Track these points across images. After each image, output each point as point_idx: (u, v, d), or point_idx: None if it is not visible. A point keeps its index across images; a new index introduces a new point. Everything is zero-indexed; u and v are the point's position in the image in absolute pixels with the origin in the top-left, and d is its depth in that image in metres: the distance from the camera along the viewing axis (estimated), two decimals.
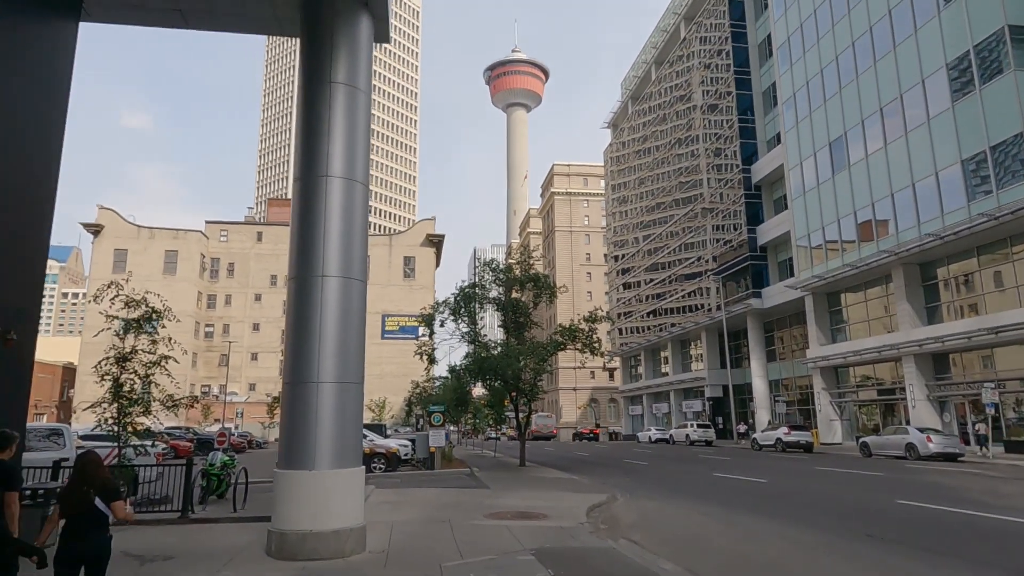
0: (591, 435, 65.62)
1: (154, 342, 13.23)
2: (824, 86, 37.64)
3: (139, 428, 12.60)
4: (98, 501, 4.79)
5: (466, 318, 27.18)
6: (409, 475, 21.74)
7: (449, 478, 20.04)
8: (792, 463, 24.70)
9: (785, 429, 33.89)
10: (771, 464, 24.10)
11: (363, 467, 9.03)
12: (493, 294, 27.34)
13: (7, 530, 5.06)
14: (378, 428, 32.00)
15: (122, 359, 12.68)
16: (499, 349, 26.33)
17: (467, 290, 26.90)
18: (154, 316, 13.41)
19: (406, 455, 25.54)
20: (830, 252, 36.65)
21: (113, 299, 12.86)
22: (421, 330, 31.82)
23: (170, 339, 13.32)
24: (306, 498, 8.20)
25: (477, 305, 27.03)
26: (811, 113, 38.71)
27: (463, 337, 27.12)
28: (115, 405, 12.44)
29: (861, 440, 28.99)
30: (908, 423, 30.56)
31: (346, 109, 9.36)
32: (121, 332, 13.19)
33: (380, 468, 22.89)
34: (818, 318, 38.97)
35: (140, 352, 12.97)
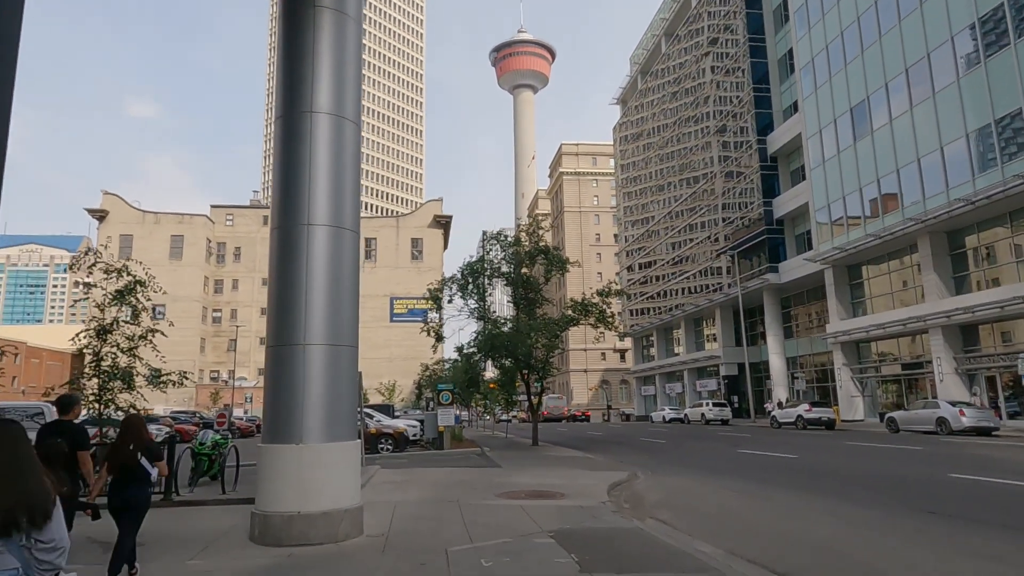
0: (582, 417, 65.07)
1: (136, 314, 12.28)
2: (845, 49, 36.02)
3: (122, 405, 11.66)
4: (143, 459, 5.41)
5: (475, 294, 26.15)
6: (417, 455, 20.84)
7: (459, 458, 19.11)
8: (817, 439, 23.62)
9: (806, 406, 32.75)
10: (796, 441, 23.01)
11: (358, 441, 8.01)
12: (503, 269, 26.26)
13: (75, 487, 5.48)
14: (386, 408, 31.16)
15: (102, 331, 11.73)
16: (509, 326, 25.32)
17: (475, 264, 25.83)
18: (138, 287, 12.42)
19: (414, 435, 24.66)
20: (851, 223, 35.25)
21: (91, 267, 11.90)
22: (431, 315, 30.73)
23: (154, 309, 12.34)
24: (293, 475, 7.22)
25: (486, 280, 25.96)
26: (831, 78, 37.12)
27: (471, 314, 26.13)
28: (95, 381, 11.52)
29: (888, 416, 27.83)
30: (935, 398, 29.39)
31: (333, 37, 8.24)
32: (104, 303, 12.23)
33: (387, 449, 22.02)
34: (838, 291, 37.65)
35: (123, 324, 12.04)
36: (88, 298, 12.06)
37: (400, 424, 24.00)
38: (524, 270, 26.46)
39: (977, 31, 27.27)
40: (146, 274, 12.49)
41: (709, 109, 53.75)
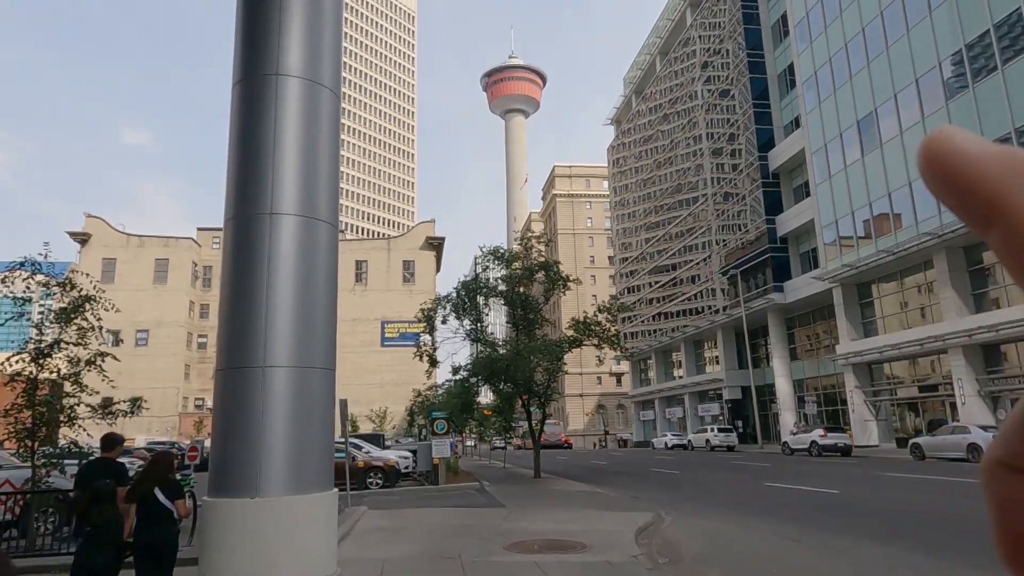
0: (565, 444, 63.18)
1: (84, 335, 10.54)
2: (849, 61, 35.05)
3: (60, 442, 9.87)
4: (161, 496, 5.35)
5: (471, 314, 24.45)
6: (410, 491, 18.95)
7: (456, 494, 17.27)
8: (843, 469, 21.88)
9: (821, 431, 31.02)
10: (823, 471, 21.25)
11: (335, 491, 6.23)
12: (500, 287, 24.60)
13: (120, 528, 5.43)
14: (375, 439, 29.18)
15: (39, 355, 9.97)
16: (507, 348, 23.60)
17: (470, 283, 24.18)
18: (87, 304, 10.68)
19: (406, 468, 22.76)
20: (861, 239, 33.93)
21: (26, 280, 10.17)
22: (423, 337, 28.78)
23: (101, 328, 10.58)
24: (246, 539, 5.45)
25: (482, 299, 24.28)
26: (835, 91, 36.09)
27: (467, 335, 24.40)
28: (29, 413, 9.72)
29: (912, 442, 26.15)
30: (957, 421, 27.80)
31: None
32: (46, 321, 10.49)
33: (377, 483, 20.12)
34: (848, 311, 36.19)
35: (67, 346, 10.30)
36: (17, 317, 10.30)
37: (391, 456, 22.11)
38: (522, 288, 24.81)
39: (992, 37, 26.23)
40: (95, 288, 10.75)
41: (705, 128, 52.80)
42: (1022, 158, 0.30)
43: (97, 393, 10.93)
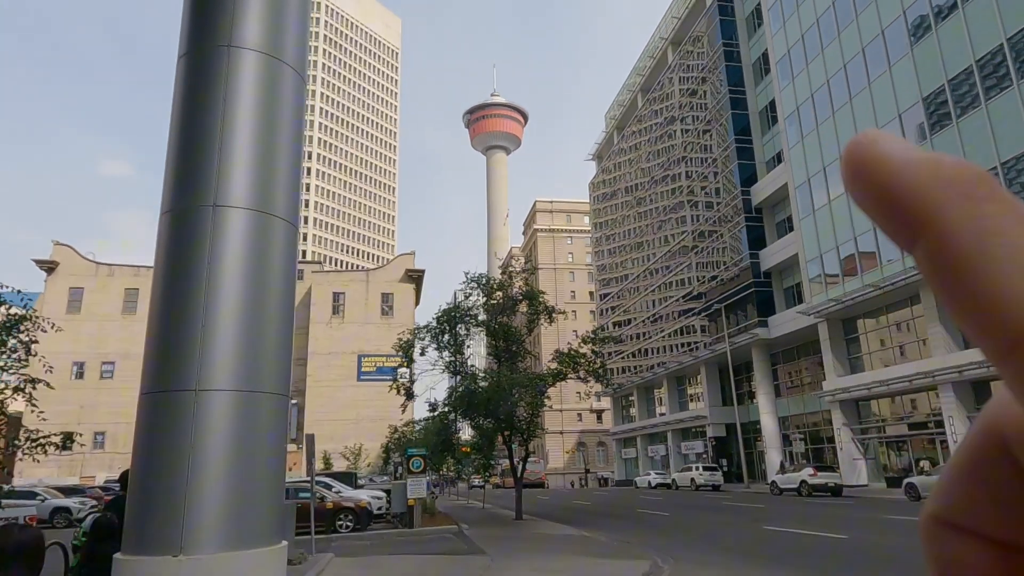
0: (538, 483, 57.96)
1: (17, 358, 9.34)
2: (832, 97, 35.23)
3: None
4: None
5: (450, 345, 23.32)
6: (382, 535, 17.55)
7: (432, 539, 15.93)
8: (841, 510, 20.90)
9: (810, 470, 30.10)
10: (818, 512, 20.25)
11: (284, 545, 5.08)
12: (481, 317, 23.56)
13: None
14: (347, 477, 27.62)
15: None
16: (488, 380, 22.47)
17: (451, 311, 23.11)
18: (17, 324, 9.48)
19: (379, 509, 21.31)
20: (846, 274, 33.59)
21: None
22: (400, 370, 27.46)
23: (29, 352, 9.35)
24: None
25: (463, 329, 23.21)
26: (818, 127, 36.20)
27: (446, 368, 23.22)
28: None
29: (907, 482, 25.28)
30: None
31: None
32: None
33: (347, 526, 18.67)
34: (834, 347, 35.66)
35: None
36: None
37: (363, 496, 20.68)
38: (504, 319, 23.80)
39: (975, 72, 26.35)
40: (25, 307, 9.56)
41: (686, 167, 52.93)
42: (949, 166, 0.27)
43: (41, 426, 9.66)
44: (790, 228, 40.47)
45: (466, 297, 23.08)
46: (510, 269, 23.83)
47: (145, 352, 5.14)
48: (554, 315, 22.88)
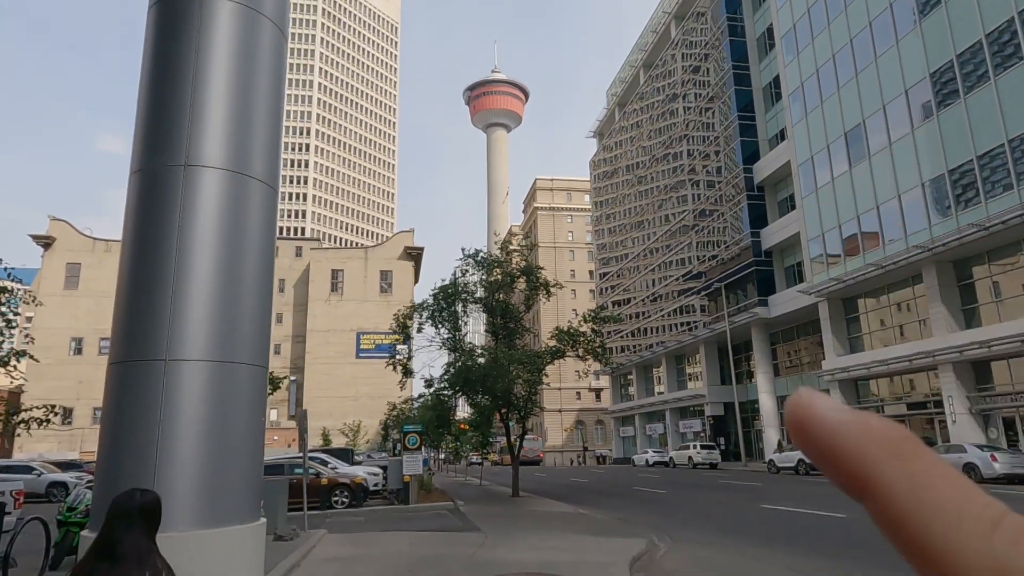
0: (535, 461, 59.94)
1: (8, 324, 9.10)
2: (837, 73, 34.57)
3: None
4: None
5: (447, 322, 23.07)
6: (377, 512, 17.47)
7: (427, 515, 15.83)
8: (838, 490, 20.80)
9: None
10: (816, 491, 20.18)
11: (262, 522, 4.86)
12: (479, 294, 23.30)
13: None
14: (344, 453, 27.55)
15: None
16: (485, 357, 22.28)
17: (448, 288, 22.82)
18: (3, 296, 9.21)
19: (375, 485, 21.23)
20: (848, 253, 33.26)
21: None
22: (399, 347, 27.14)
23: (11, 324, 9.07)
24: None
25: (461, 307, 22.94)
26: (822, 103, 35.59)
27: (443, 344, 23.01)
28: None
29: None
30: (948, 440, 27.07)
31: None
32: None
33: (343, 503, 18.59)
34: (834, 326, 35.44)
35: None
36: None
37: (359, 472, 20.58)
38: (502, 295, 23.52)
39: (984, 47, 25.78)
40: (10, 276, 9.27)
41: (688, 144, 52.30)
42: (877, 428, 0.30)
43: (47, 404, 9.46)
44: (792, 207, 40.04)
45: (463, 274, 22.76)
46: (508, 246, 23.43)
47: (113, 320, 4.88)
48: (552, 290, 22.58)
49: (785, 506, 15.71)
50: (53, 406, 9.63)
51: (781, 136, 42.08)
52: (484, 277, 23.19)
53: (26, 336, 9.56)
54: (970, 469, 21.57)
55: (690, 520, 14.32)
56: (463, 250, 22.59)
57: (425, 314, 22.89)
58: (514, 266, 22.96)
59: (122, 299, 4.70)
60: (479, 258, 22.63)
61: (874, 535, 11.25)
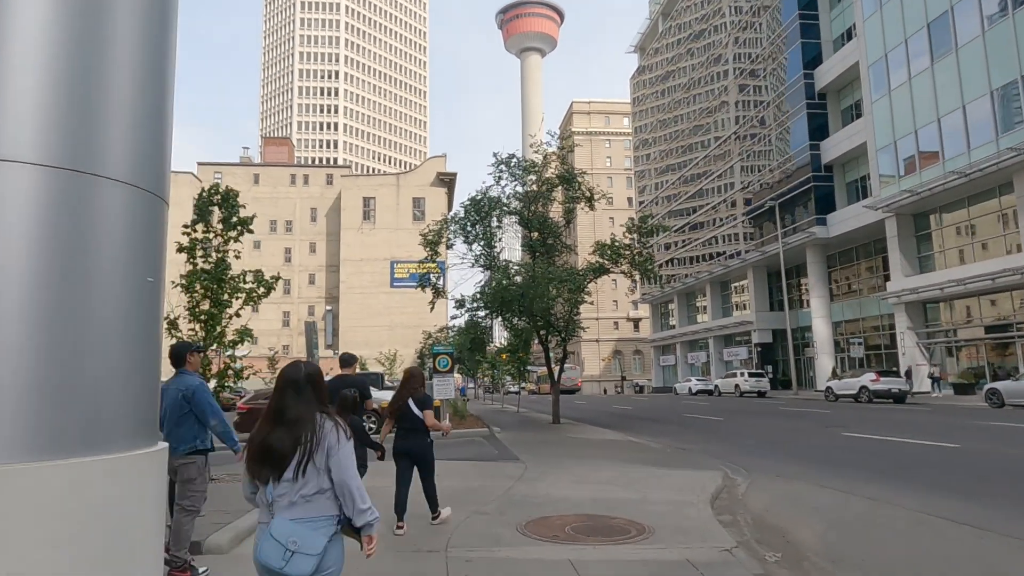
0: (573, 389, 59.15)
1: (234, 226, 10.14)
2: None
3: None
4: (413, 407, 5.98)
5: (481, 238, 20.94)
6: None
7: (460, 443, 14.27)
8: (917, 416, 18.66)
9: (872, 375, 27.72)
10: (895, 418, 18.04)
11: (159, 448, 2.91)
12: (514, 205, 21.03)
13: (364, 430, 6.12)
14: (375, 378, 26.25)
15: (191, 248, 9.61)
16: (522, 275, 20.29)
17: (481, 200, 20.52)
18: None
19: None
20: (924, 161, 29.86)
21: None
22: (432, 277, 24.78)
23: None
24: None
25: (495, 220, 20.73)
26: None
27: (476, 261, 21.01)
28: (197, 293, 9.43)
29: (988, 387, 22.72)
30: None
31: None
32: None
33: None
34: (903, 244, 32.36)
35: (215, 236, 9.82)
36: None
37: (387, 398, 19.10)
38: (539, 207, 21.24)
39: None
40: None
41: (741, 48, 47.91)
42: None
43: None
44: (857, 115, 36.33)
45: (497, 181, 20.49)
46: (544, 148, 20.94)
47: None
48: (595, 200, 20.24)
49: (868, 434, 13.63)
50: (274, 278, 10.30)
51: (848, 35, 37.84)
52: (519, 189, 20.92)
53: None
54: None
55: (758, 449, 12.40)
56: (495, 155, 20.26)
57: (455, 226, 20.85)
58: (552, 171, 20.59)
59: None
60: (512, 163, 20.27)
61: (993, 465, 9.18)
